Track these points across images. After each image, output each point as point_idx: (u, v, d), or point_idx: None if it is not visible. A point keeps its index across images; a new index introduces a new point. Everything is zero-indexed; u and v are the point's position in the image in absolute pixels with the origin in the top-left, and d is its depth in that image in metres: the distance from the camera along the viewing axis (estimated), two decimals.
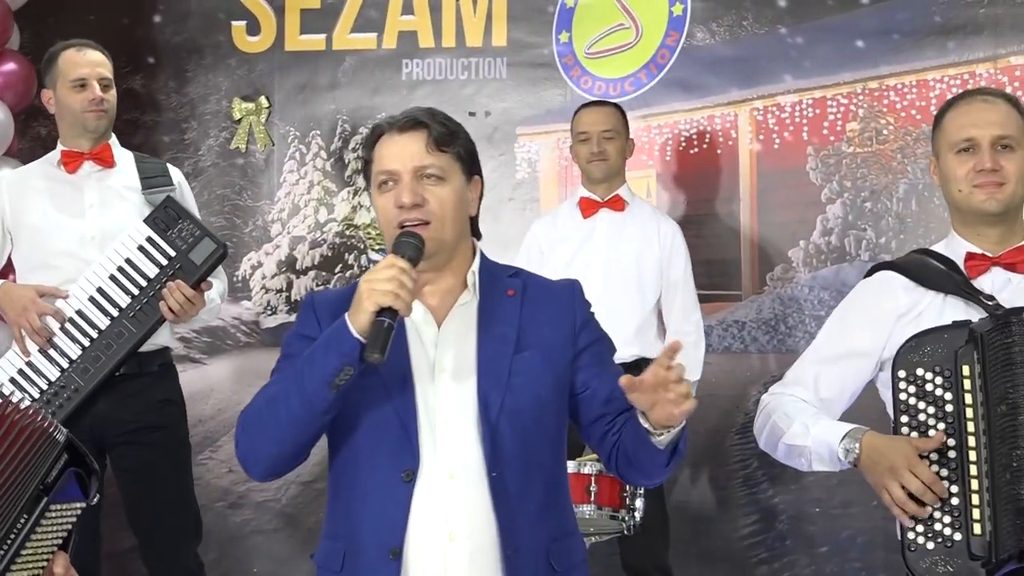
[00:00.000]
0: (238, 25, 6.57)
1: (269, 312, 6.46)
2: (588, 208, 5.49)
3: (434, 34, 6.41)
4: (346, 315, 2.71)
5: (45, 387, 4.56)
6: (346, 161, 6.46)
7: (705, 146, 6.14)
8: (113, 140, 4.84)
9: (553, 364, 2.89)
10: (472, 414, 2.81)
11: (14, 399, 2.94)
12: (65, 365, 4.56)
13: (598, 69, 6.27)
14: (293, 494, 6.34)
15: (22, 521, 2.81)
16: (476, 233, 2.99)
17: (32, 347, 4.57)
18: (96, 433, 4.59)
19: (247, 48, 6.59)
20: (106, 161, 4.76)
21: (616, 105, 5.59)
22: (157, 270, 4.56)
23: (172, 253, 4.57)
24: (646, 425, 2.68)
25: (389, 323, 2.66)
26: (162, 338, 4.73)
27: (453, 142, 2.87)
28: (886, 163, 5.97)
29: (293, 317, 6.20)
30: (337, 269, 6.43)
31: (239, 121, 6.55)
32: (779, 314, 6.03)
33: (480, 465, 2.79)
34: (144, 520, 4.76)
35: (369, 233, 6.41)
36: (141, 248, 4.57)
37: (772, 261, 6.06)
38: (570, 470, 4.64)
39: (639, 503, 4.72)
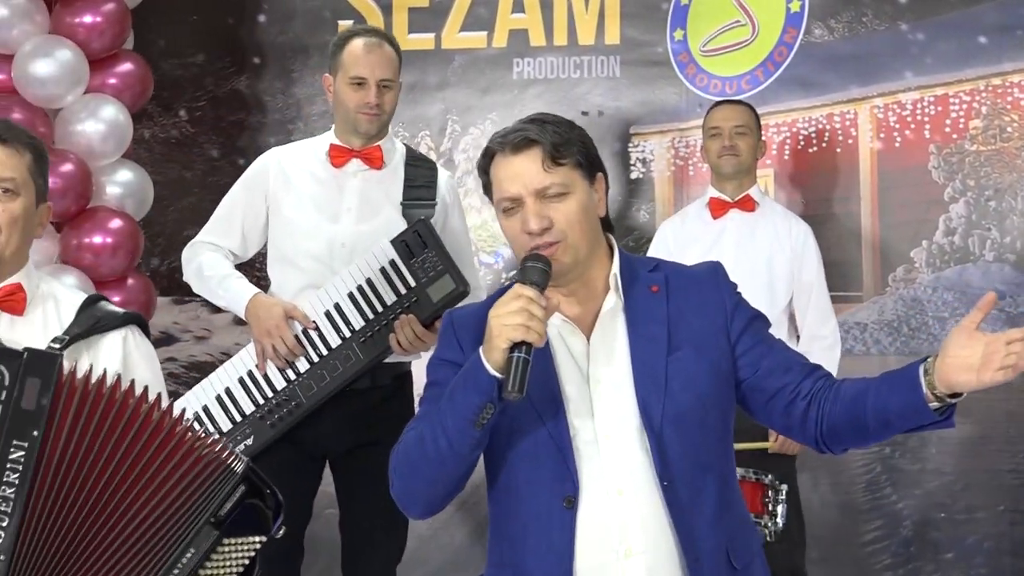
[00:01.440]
0: (345, 24, 6.69)
1: None
2: (718, 208, 5.59)
3: (545, 32, 6.59)
4: (481, 350, 2.75)
5: (270, 395, 4.60)
6: (456, 162, 6.65)
7: (824, 145, 6.29)
8: (388, 137, 4.84)
9: (709, 359, 2.91)
10: (634, 424, 2.85)
11: (197, 427, 2.98)
12: (292, 377, 4.60)
13: (714, 67, 6.45)
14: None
15: (189, 555, 2.86)
16: (608, 228, 3.03)
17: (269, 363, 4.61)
18: (317, 444, 4.69)
19: None
20: (375, 162, 4.76)
21: (749, 105, 5.71)
22: (395, 298, 4.58)
23: (412, 283, 4.54)
24: (927, 388, 2.68)
25: (524, 358, 2.69)
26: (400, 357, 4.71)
27: (569, 151, 2.91)
28: (1010, 161, 6.11)
29: None
30: None
31: None
32: (902, 316, 6.17)
33: (649, 477, 2.83)
34: (352, 530, 4.85)
35: (480, 235, 6.60)
36: (383, 271, 4.56)
37: (894, 262, 6.19)
38: None
39: (780, 509, 4.88)
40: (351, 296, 4.60)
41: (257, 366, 4.66)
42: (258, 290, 4.76)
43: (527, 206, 2.86)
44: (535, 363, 2.74)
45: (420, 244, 4.58)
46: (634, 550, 2.82)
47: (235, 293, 4.75)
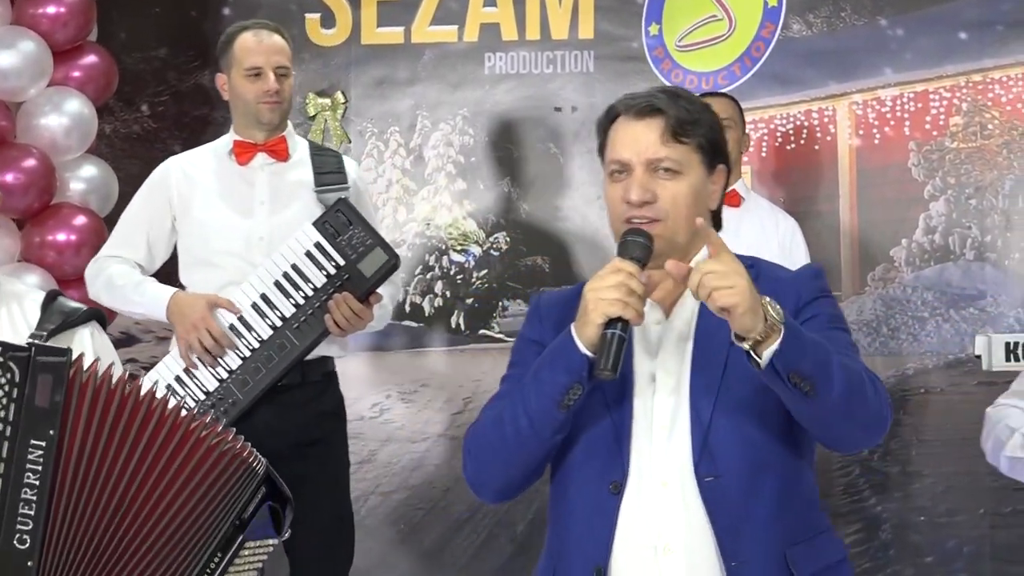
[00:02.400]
0: (312, 18, 6.76)
1: None
2: None
3: (517, 26, 6.61)
4: (572, 327, 2.67)
5: (202, 398, 4.58)
6: (426, 159, 6.66)
7: (802, 142, 6.32)
8: (289, 130, 4.89)
9: None
10: (687, 417, 2.76)
11: (208, 420, 2.93)
12: (224, 376, 4.59)
13: (690, 62, 6.47)
14: (372, 505, 6.60)
15: (216, 560, 2.83)
16: (717, 225, 2.92)
17: (194, 358, 4.61)
18: (252, 444, 4.65)
19: (322, 42, 6.78)
20: (280, 154, 4.81)
21: (733, 97, 5.72)
22: (324, 279, 4.59)
23: (341, 262, 4.58)
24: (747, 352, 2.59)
25: (620, 335, 2.60)
26: (330, 348, 4.78)
27: (694, 131, 2.82)
28: (991, 158, 6.14)
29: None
30: (417, 271, 6.66)
31: (313, 118, 6.77)
32: (881, 315, 6.21)
33: (693, 470, 2.74)
34: (295, 539, 4.78)
35: (451, 233, 6.65)
36: (309, 254, 4.59)
37: (873, 260, 6.22)
38: None
39: None
40: (278, 284, 4.62)
41: (186, 369, 4.64)
42: (177, 289, 4.77)
43: (634, 175, 2.78)
44: None
45: (344, 222, 4.62)
46: (672, 547, 2.73)
47: (152, 296, 4.75)
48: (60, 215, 5.99)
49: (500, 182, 6.67)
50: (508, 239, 6.65)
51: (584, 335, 2.65)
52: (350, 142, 6.76)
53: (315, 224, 4.64)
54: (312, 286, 4.61)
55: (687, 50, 6.51)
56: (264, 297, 4.62)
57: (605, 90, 6.53)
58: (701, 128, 2.85)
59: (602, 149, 2.91)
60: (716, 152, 2.89)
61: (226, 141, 4.91)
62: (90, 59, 6.26)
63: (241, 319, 4.62)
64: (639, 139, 2.80)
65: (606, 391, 2.78)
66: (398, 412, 6.65)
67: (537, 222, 6.62)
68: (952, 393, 6.01)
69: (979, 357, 6.01)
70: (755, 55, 6.41)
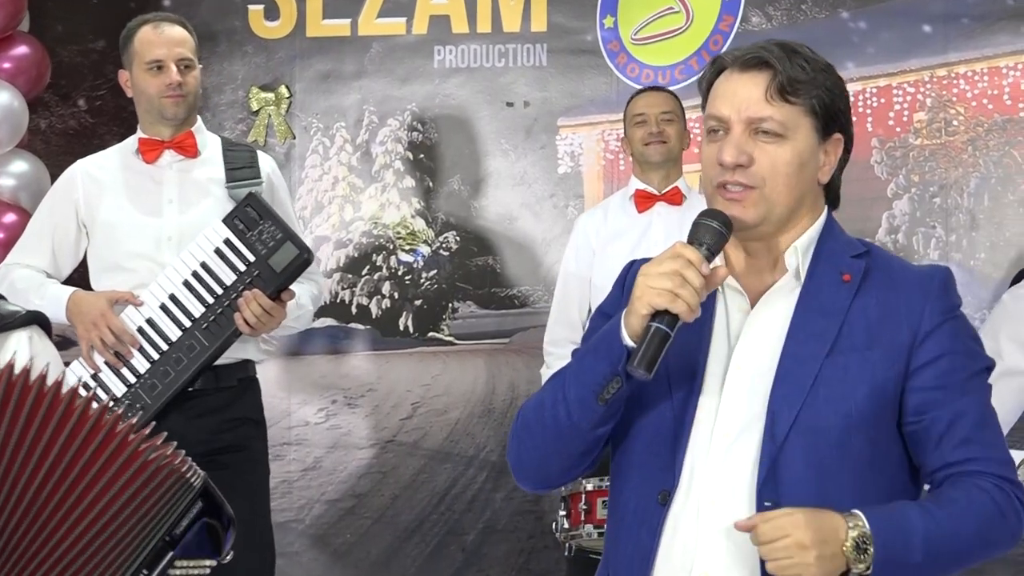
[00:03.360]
0: (255, 9, 6.70)
1: None
2: (643, 201, 5.49)
3: (468, 18, 6.55)
4: (622, 313, 2.45)
5: (111, 404, 4.44)
6: (373, 155, 6.60)
7: None
8: (198, 126, 4.81)
9: (875, 373, 2.50)
10: (757, 427, 2.48)
11: (145, 433, 2.79)
12: (132, 380, 4.50)
13: (646, 56, 6.42)
14: (317, 513, 6.51)
15: None
16: (834, 203, 2.71)
17: (99, 360, 4.53)
18: None
19: (265, 34, 6.72)
20: (188, 150, 4.73)
21: (673, 92, 5.66)
22: (234, 277, 4.49)
23: (251, 258, 4.50)
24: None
25: (663, 331, 2.38)
26: (245, 351, 4.70)
27: (805, 90, 2.53)
28: (956, 156, 6.10)
29: (316, 324, 6.43)
30: (364, 271, 6.58)
31: (257, 112, 6.71)
32: None
33: (751, 492, 2.45)
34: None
35: (399, 233, 6.57)
36: (218, 251, 4.51)
37: None
38: (589, 488, 4.77)
39: None
40: (187, 284, 4.53)
41: (93, 375, 4.54)
42: (78, 289, 4.68)
43: (732, 133, 2.52)
44: (686, 329, 2.44)
45: (254, 218, 4.53)
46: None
47: (53, 296, 4.65)
48: None
49: (450, 180, 6.61)
50: (458, 239, 6.58)
51: (630, 324, 2.43)
52: (294, 138, 6.69)
53: (224, 220, 4.55)
54: (222, 284, 4.52)
55: (643, 43, 6.46)
56: (173, 298, 4.54)
57: (558, 84, 6.51)
58: (817, 89, 2.56)
59: (704, 106, 2.65)
60: (833, 118, 2.60)
61: (132, 140, 4.83)
62: (21, 50, 6.18)
63: (149, 321, 4.54)
64: (740, 94, 2.54)
65: (672, 380, 2.54)
66: (344, 418, 6.57)
67: (488, 221, 6.55)
68: None
69: None
70: (713, 48, 6.36)
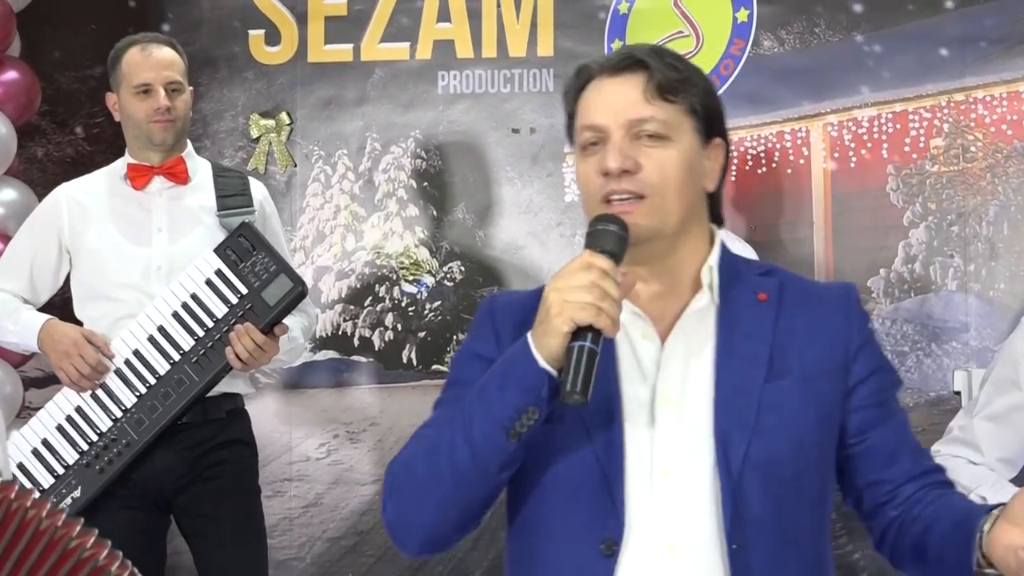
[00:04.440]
0: (256, 34, 6.64)
1: None
2: None
3: (473, 43, 6.48)
4: (529, 335, 2.26)
5: (95, 439, 4.43)
6: (376, 183, 6.52)
7: (774, 165, 6.19)
8: (189, 151, 4.74)
9: (819, 399, 2.40)
10: (707, 463, 2.32)
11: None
12: (118, 414, 4.45)
13: None
14: (319, 551, 6.40)
15: None
16: (717, 218, 2.54)
17: (85, 393, 4.48)
18: (154, 488, 4.52)
19: (266, 59, 6.65)
20: (178, 176, 4.67)
21: None
22: (226, 309, 4.41)
23: (243, 290, 4.43)
24: (978, 553, 2.25)
25: (591, 349, 2.21)
26: (234, 384, 4.62)
27: (683, 88, 2.41)
28: (974, 183, 6.01)
29: (318, 356, 6.34)
30: (367, 302, 6.48)
31: (257, 140, 6.63)
32: None
33: (714, 534, 2.30)
34: (203, 556, 4.66)
35: (402, 263, 6.48)
36: (209, 282, 4.44)
37: None
38: None
39: None
40: (176, 316, 4.46)
41: (77, 408, 4.48)
42: (53, 317, 4.61)
43: (612, 141, 2.38)
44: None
45: (247, 248, 4.46)
46: None
47: (26, 323, 4.60)
48: None
49: (455, 208, 6.51)
50: (463, 269, 6.49)
51: (545, 346, 2.23)
52: (295, 165, 6.62)
53: (216, 250, 4.48)
54: (213, 317, 4.45)
55: None
56: (161, 329, 4.47)
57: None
58: (695, 88, 2.44)
59: (571, 122, 2.52)
60: (713, 119, 2.48)
61: (120, 164, 4.76)
62: (10, 75, 6.12)
63: (136, 353, 4.47)
64: (617, 98, 2.41)
65: (588, 419, 2.34)
66: (346, 453, 6.47)
67: (494, 251, 6.45)
68: (934, 432, 5.80)
69: (959, 394, 5.88)
70: (724, 73, 6.28)
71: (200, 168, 4.78)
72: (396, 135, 6.55)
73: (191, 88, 4.77)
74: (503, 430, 2.25)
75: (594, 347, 2.21)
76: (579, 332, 2.22)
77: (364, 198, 6.57)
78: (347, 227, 6.58)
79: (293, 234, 6.54)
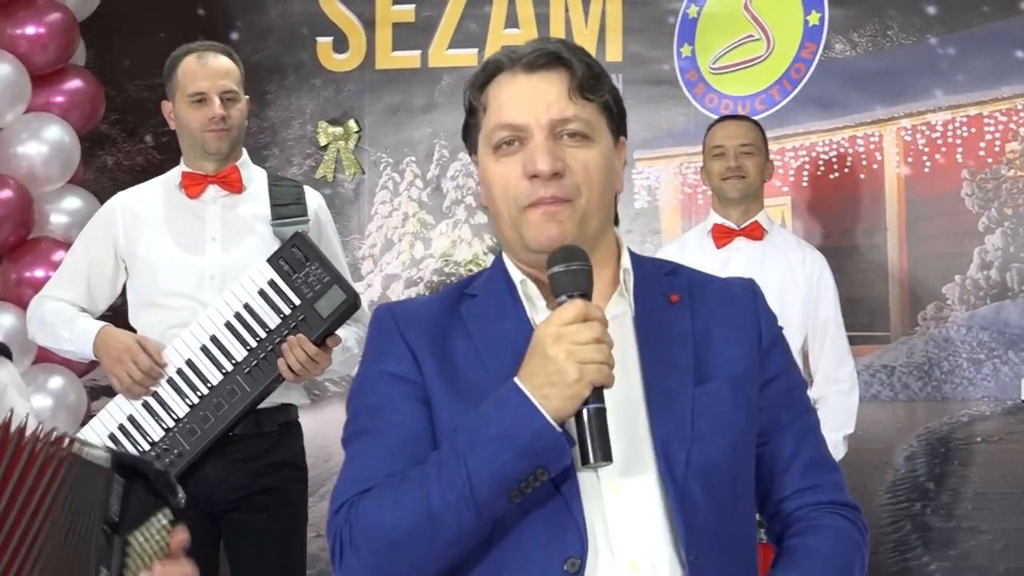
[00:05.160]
0: (324, 42, 6.64)
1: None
2: (722, 236, 5.35)
3: None
4: (528, 391, 2.12)
5: (147, 448, 4.42)
6: (444, 190, 6.51)
7: (846, 170, 6.14)
8: (244, 159, 4.71)
9: (746, 399, 2.34)
10: (651, 475, 2.24)
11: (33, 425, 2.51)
12: (170, 424, 4.41)
13: (725, 85, 6.30)
14: None
15: (103, 574, 2.43)
16: (616, 219, 2.43)
17: (137, 402, 4.45)
18: (204, 499, 4.47)
19: (334, 67, 6.65)
20: (233, 185, 4.63)
21: (755, 121, 5.50)
22: (278, 320, 4.35)
23: (296, 301, 4.36)
24: None
25: (600, 409, 2.14)
26: (288, 395, 4.59)
27: (600, 87, 2.31)
28: None
29: None
30: None
31: (325, 147, 6.63)
32: (933, 358, 6.00)
33: (671, 546, 2.22)
34: None
35: (471, 270, 6.41)
36: (262, 293, 4.39)
37: (924, 299, 6.03)
38: None
39: None
40: (229, 326, 4.41)
41: (130, 417, 4.45)
42: (108, 324, 4.58)
43: (535, 141, 2.25)
44: (493, 375, 2.22)
45: (300, 259, 4.39)
46: None
47: (81, 331, 4.57)
48: (39, 250, 5.80)
49: None
50: None
51: (560, 410, 2.11)
52: (364, 173, 6.62)
53: (269, 260, 4.41)
54: (265, 327, 4.39)
55: (722, 72, 6.35)
56: (214, 339, 4.42)
57: (634, 116, 6.27)
58: (607, 85, 2.34)
59: (471, 117, 2.38)
60: (621, 117, 2.39)
61: (175, 173, 4.72)
62: (74, 84, 6.09)
63: (189, 363, 4.43)
64: (537, 97, 2.26)
65: None
66: None
67: None
68: (1011, 442, 5.80)
69: None
70: (795, 77, 6.24)
71: (255, 177, 4.74)
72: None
73: (247, 97, 4.75)
74: (506, 492, 2.15)
75: (603, 406, 2.14)
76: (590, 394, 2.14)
77: (432, 205, 6.56)
78: (415, 234, 6.57)
79: (361, 242, 6.51)
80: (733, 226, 5.38)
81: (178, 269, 4.56)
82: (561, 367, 2.10)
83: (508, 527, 2.22)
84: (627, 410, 2.26)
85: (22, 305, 5.56)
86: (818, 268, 5.33)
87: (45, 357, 5.39)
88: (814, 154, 6.19)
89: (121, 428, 4.46)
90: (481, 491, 2.13)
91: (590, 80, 2.28)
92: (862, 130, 6.15)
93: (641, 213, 6.35)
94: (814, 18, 6.22)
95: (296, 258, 4.39)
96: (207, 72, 4.59)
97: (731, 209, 5.38)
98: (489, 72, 2.34)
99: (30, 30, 5.86)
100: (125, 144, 6.73)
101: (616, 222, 2.43)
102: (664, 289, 2.39)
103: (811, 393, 5.14)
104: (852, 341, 5.56)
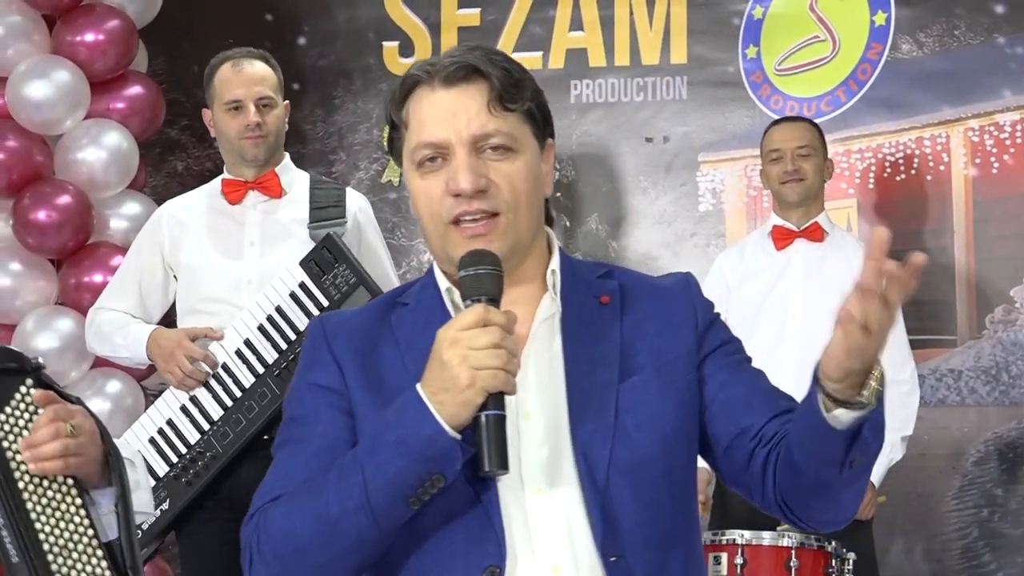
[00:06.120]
0: (390, 46, 6.63)
1: None
2: (781, 238, 5.34)
3: (606, 52, 6.41)
4: (424, 396, 2.09)
5: (184, 451, 4.47)
6: None
7: (913, 172, 6.06)
8: (285, 164, 4.75)
9: (676, 387, 2.28)
10: (572, 475, 2.20)
11: None
12: (206, 427, 4.47)
13: (790, 87, 6.24)
14: None
15: None
16: (548, 219, 2.40)
17: (175, 405, 4.53)
18: (239, 501, 4.50)
19: (400, 71, 6.42)
20: (272, 190, 4.68)
21: (812, 121, 5.49)
22: (307, 321, 4.32)
23: (325, 303, 4.40)
24: (823, 397, 2.07)
25: (499, 416, 2.09)
26: None
27: (520, 94, 2.27)
28: None
29: None
30: None
31: None
32: (1001, 362, 5.91)
33: (594, 548, 2.17)
34: None
35: None
36: (293, 295, 4.44)
37: (992, 302, 5.95)
38: (766, 542, 4.59)
39: None
40: (261, 328, 4.46)
41: (169, 421, 4.51)
42: (160, 326, 4.66)
43: (456, 158, 2.22)
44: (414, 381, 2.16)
45: (330, 260, 4.42)
46: None
47: (135, 336, 4.64)
48: (97, 255, 5.81)
49: (588, 219, 6.44)
50: None
51: (453, 416, 2.08)
52: None
53: (301, 263, 4.47)
54: (296, 330, 4.42)
55: (787, 74, 6.28)
56: (248, 343, 4.48)
57: (699, 118, 6.35)
58: (528, 91, 2.29)
59: (395, 133, 2.34)
60: (546, 120, 2.35)
61: (218, 181, 4.80)
62: (134, 90, 6.11)
63: (225, 367, 4.49)
64: (457, 112, 2.23)
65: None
66: None
67: (628, 262, 6.34)
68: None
69: None
70: (861, 78, 6.16)
71: (297, 181, 4.77)
72: None
73: (286, 102, 4.79)
74: (404, 499, 2.12)
75: (502, 413, 2.09)
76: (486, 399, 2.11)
77: None
78: None
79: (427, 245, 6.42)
80: (793, 228, 5.37)
81: (217, 274, 4.62)
82: (454, 372, 2.06)
83: (429, 536, 2.20)
84: (553, 411, 2.24)
85: (81, 310, 5.65)
86: None
87: (103, 361, 5.43)
88: (880, 156, 6.12)
89: (160, 432, 4.52)
90: (377, 497, 2.11)
91: (510, 89, 2.25)
92: (929, 131, 6.06)
93: (706, 216, 6.31)
94: (880, 18, 6.14)
95: (326, 260, 4.41)
96: (242, 79, 4.64)
97: (791, 211, 5.37)
98: (408, 87, 2.31)
99: (89, 37, 5.88)
100: (195, 149, 6.74)
101: (549, 223, 2.42)
102: (595, 291, 2.36)
103: None
104: (918, 345, 5.54)
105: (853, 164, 6.10)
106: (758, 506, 2.34)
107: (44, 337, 5.57)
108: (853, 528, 4.91)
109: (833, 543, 4.64)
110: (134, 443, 4.52)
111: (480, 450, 2.09)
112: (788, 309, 5.21)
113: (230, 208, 4.69)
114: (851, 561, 4.65)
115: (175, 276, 4.72)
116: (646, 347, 2.30)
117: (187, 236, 4.69)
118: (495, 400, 2.08)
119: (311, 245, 4.52)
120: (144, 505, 3.09)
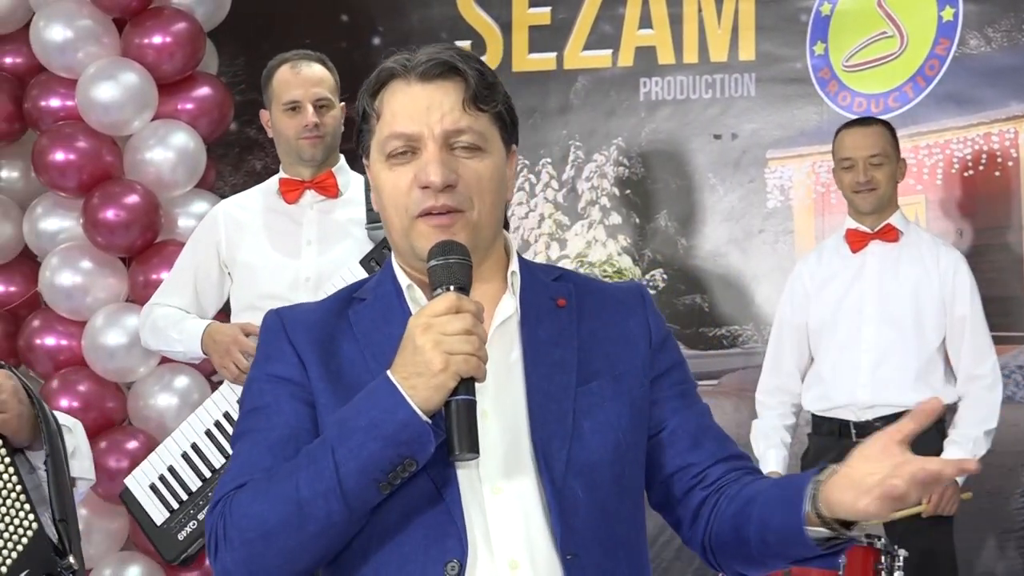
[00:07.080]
0: (462, 45, 6.55)
1: None
2: (856, 241, 5.28)
3: (675, 49, 6.38)
4: (395, 381, 2.12)
5: (223, 460, 4.53)
6: (579, 191, 6.48)
7: (982, 168, 5.98)
8: (340, 165, 4.80)
9: (630, 396, 2.32)
10: (531, 474, 2.23)
11: None
12: None
13: (858, 83, 6.16)
14: None
15: None
16: (506, 224, 2.49)
17: (232, 399, 4.57)
18: None
19: None
20: (329, 190, 4.72)
21: (884, 123, 5.38)
22: None
23: None
24: (811, 507, 2.09)
25: (470, 401, 2.12)
26: None
27: (493, 97, 2.31)
28: None
29: None
30: None
31: None
32: None
33: (551, 546, 2.20)
34: None
35: (605, 271, 6.40)
36: None
37: None
38: None
39: None
40: None
41: (226, 415, 4.57)
42: (214, 321, 4.71)
43: (427, 152, 2.24)
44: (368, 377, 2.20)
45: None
46: None
47: (190, 331, 4.70)
48: (165, 253, 5.81)
49: (657, 215, 6.41)
50: (665, 277, 6.36)
51: (426, 400, 2.10)
52: None
53: (360, 262, 4.47)
54: None
55: (855, 70, 6.20)
56: None
57: (767, 115, 6.31)
58: (500, 95, 2.34)
59: (364, 123, 2.35)
60: (514, 126, 2.40)
61: (274, 180, 4.86)
62: (202, 91, 6.13)
63: None
64: (431, 107, 2.25)
65: None
66: None
67: (696, 258, 6.35)
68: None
69: None
70: (929, 74, 6.08)
71: (352, 182, 4.80)
72: (599, 143, 6.49)
73: (342, 104, 4.82)
74: (375, 483, 2.13)
75: (472, 398, 2.13)
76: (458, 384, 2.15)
77: (567, 207, 6.53)
78: (551, 236, 6.55)
79: None
80: (867, 230, 5.30)
81: (275, 272, 4.65)
82: (427, 357, 2.10)
83: (390, 530, 2.22)
84: (511, 411, 2.28)
85: None
86: (952, 265, 5.21)
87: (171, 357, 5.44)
88: (948, 152, 6.04)
89: (216, 424, 4.59)
90: (349, 481, 2.12)
91: (484, 90, 2.29)
92: (997, 127, 5.97)
93: (774, 212, 6.26)
94: (948, 14, 6.06)
95: (385, 258, 4.35)
96: (300, 80, 4.68)
97: (864, 216, 5.31)
98: (383, 79, 2.33)
99: (157, 39, 5.92)
100: (273, 148, 6.63)
101: (506, 226, 2.48)
102: (551, 294, 2.39)
103: (954, 391, 5.10)
104: None
105: (921, 160, 6.03)
106: (680, 536, 2.39)
107: (113, 333, 5.65)
108: (934, 523, 4.92)
109: (883, 540, 4.58)
110: (191, 436, 4.61)
111: (451, 434, 2.12)
112: (864, 311, 5.17)
113: (287, 207, 4.73)
114: (902, 557, 4.57)
115: (230, 274, 4.76)
116: (602, 353, 2.34)
117: (244, 235, 4.74)
118: (466, 385, 2.11)
119: (368, 245, 4.55)
120: (84, 471, 3.15)
